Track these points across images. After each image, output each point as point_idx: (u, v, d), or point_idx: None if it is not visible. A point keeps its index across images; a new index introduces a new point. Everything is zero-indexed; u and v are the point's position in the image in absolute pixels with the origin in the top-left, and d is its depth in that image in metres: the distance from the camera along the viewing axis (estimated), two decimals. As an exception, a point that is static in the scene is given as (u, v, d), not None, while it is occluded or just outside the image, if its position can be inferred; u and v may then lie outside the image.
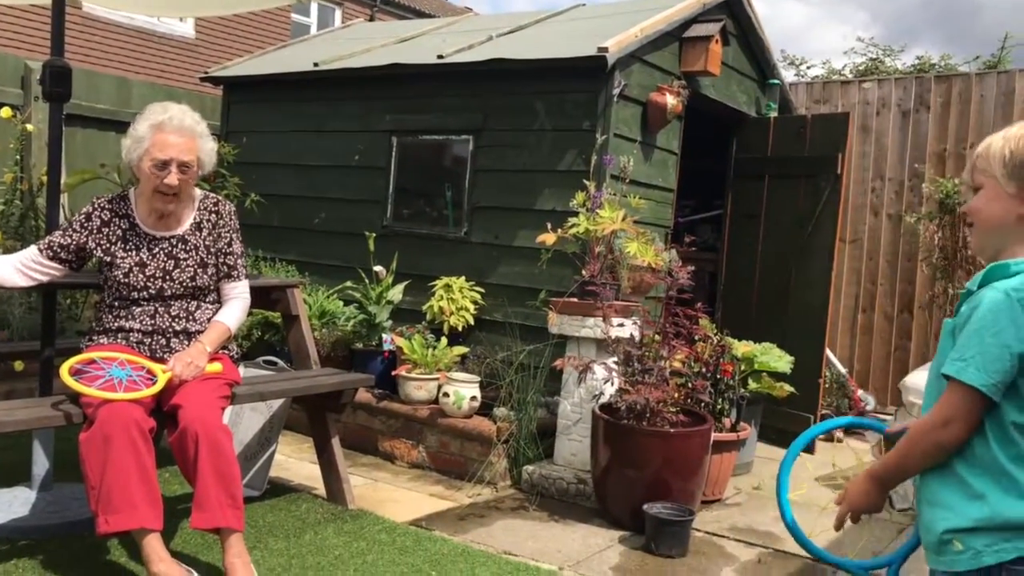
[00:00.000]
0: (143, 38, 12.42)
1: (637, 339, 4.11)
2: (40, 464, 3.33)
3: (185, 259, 3.12)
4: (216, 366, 3.04)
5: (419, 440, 4.55)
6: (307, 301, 5.05)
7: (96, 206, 3.12)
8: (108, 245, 3.07)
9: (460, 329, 4.77)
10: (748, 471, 4.78)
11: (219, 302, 3.24)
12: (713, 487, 4.22)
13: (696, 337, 4.24)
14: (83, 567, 2.89)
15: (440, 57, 5.13)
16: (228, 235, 3.22)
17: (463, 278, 4.94)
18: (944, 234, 6.18)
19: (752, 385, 4.71)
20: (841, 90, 6.95)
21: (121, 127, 3.09)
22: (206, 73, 6.53)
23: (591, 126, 4.64)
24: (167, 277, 3.08)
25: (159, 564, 2.66)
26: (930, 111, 6.49)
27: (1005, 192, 1.60)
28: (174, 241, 3.12)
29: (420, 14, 17.46)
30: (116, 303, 3.08)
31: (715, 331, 4.60)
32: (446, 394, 4.45)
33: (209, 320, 3.16)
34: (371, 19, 13.17)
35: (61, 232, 3.09)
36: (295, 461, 4.40)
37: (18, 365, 4.39)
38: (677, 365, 4.17)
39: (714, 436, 4.00)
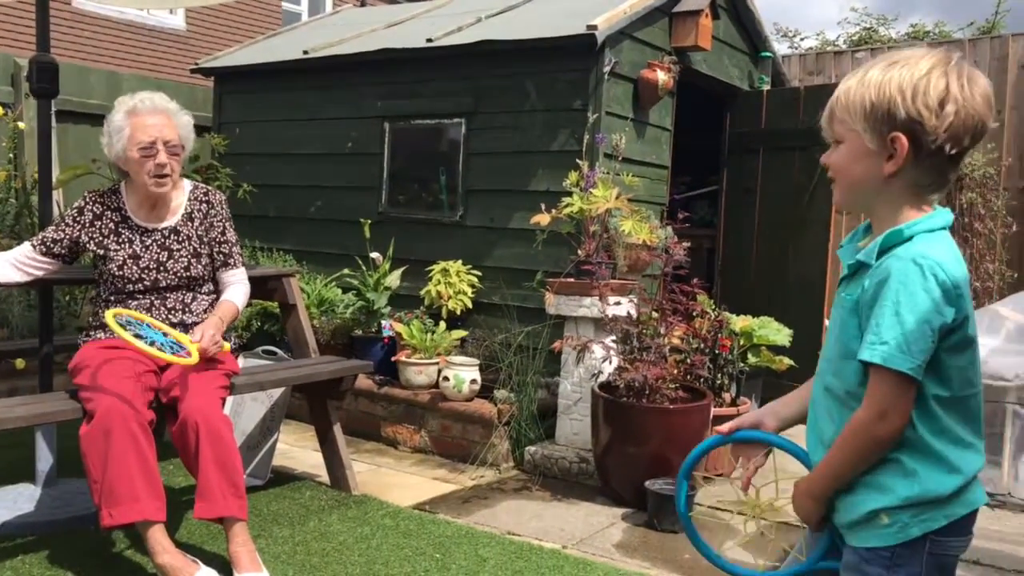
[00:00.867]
0: (134, 32, 12.36)
1: (634, 317, 4.12)
2: (44, 460, 3.34)
3: (178, 250, 3.12)
4: (226, 345, 3.07)
5: (421, 425, 4.57)
6: (305, 290, 5.06)
7: (88, 200, 3.12)
8: (101, 239, 3.07)
9: (458, 313, 4.77)
10: (750, 445, 4.79)
11: (215, 293, 3.25)
12: (715, 462, 4.23)
13: (694, 313, 4.24)
14: (90, 561, 2.91)
15: (429, 40, 5.11)
16: (220, 224, 3.23)
17: (460, 262, 4.94)
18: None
19: (751, 359, 4.71)
20: (834, 61, 6.93)
21: (112, 122, 3.10)
22: (197, 65, 6.51)
23: (583, 105, 4.63)
24: (161, 268, 3.08)
25: (164, 555, 2.67)
26: (924, 79, 6.44)
27: (867, 148, 1.43)
28: (166, 232, 3.12)
29: (411, -2, 17.32)
30: (112, 297, 3.09)
31: (713, 307, 4.60)
32: (446, 378, 4.46)
33: (206, 311, 3.17)
34: (362, 4, 13.10)
35: (54, 227, 3.10)
36: (298, 449, 4.42)
37: (19, 363, 4.40)
38: (676, 342, 4.17)
39: (714, 411, 4.01)
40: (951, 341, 1.40)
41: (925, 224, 1.43)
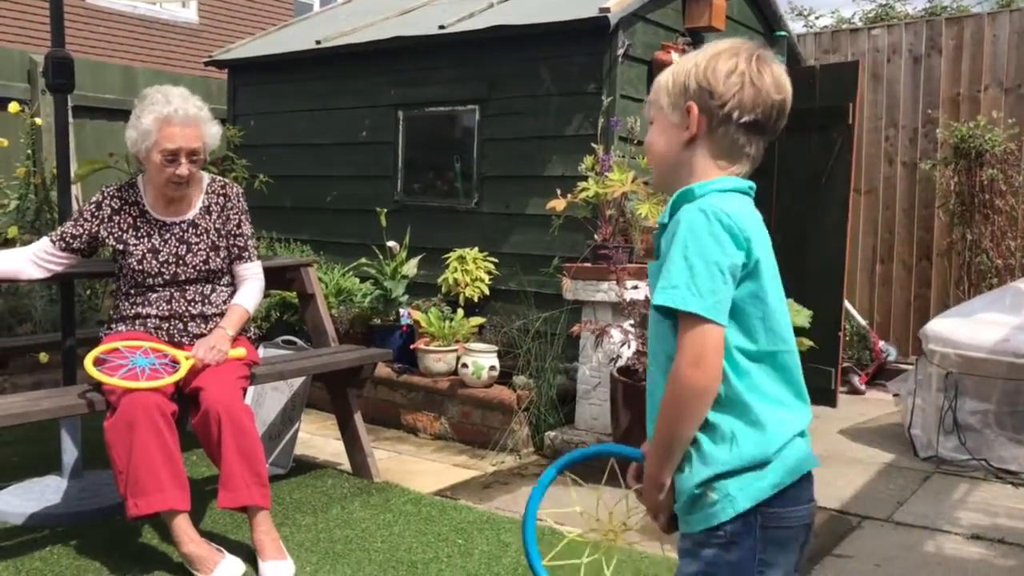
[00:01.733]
0: (147, 26, 12.42)
1: (652, 301, 4.10)
2: (69, 452, 3.38)
3: (197, 243, 3.14)
4: (239, 351, 3.07)
5: (441, 412, 4.59)
6: (323, 279, 5.08)
7: (105, 195, 3.14)
8: (120, 233, 3.10)
9: (476, 300, 4.78)
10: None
11: (233, 284, 3.26)
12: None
13: (712, 296, 4.21)
14: (117, 551, 2.95)
15: (441, 27, 5.09)
16: (237, 217, 3.24)
17: (476, 249, 4.94)
18: (960, 180, 6.10)
19: (771, 341, 4.69)
20: (850, 38, 6.84)
21: (128, 116, 3.11)
22: (210, 57, 6.53)
23: (597, 88, 4.60)
24: (180, 262, 3.10)
25: (189, 544, 2.71)
26: (942, 55, 6.37)
27: (670, 122, 1.51)
28: (184, 226, 3.14)
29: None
30: (132, 290, 3.12)
31: (731, 289, 4.58)
32: (465, 365, 4.47)
33: (225, 303, 3.19)
34: (373, -7, 13.06)
35: (72, 222, 3.12)
36: (319, 438, 4.45)
37: (43, 357, 4.45)
38: (694, 324, 4.15)
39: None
40: (748, 289, 1.41)
41: (716, 184, 1.47)
